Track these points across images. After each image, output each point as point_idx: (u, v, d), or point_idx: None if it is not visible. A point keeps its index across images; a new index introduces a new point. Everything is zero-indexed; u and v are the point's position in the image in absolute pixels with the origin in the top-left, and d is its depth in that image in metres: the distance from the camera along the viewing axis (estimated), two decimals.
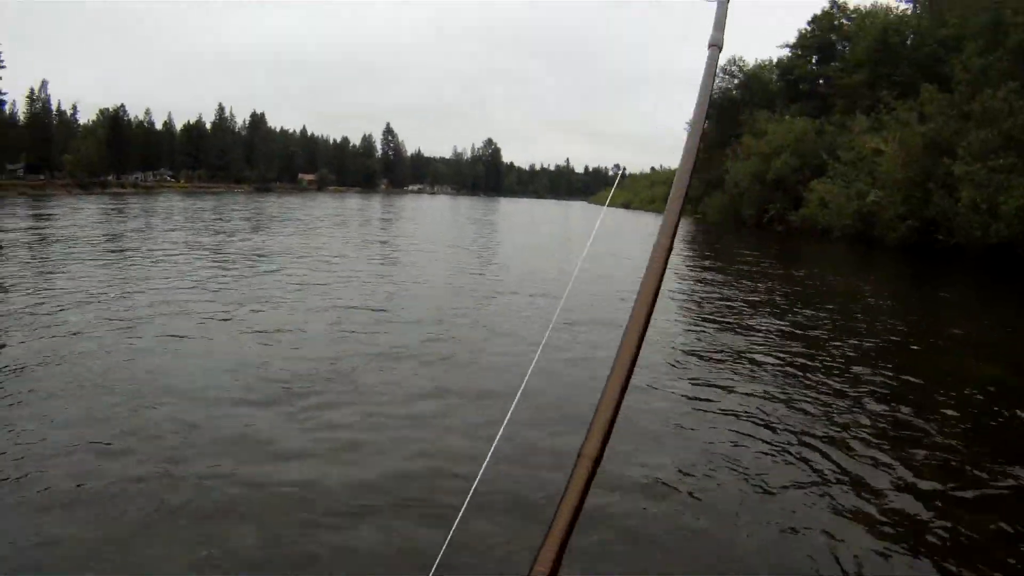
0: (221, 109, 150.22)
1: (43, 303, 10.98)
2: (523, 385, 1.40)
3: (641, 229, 40.82)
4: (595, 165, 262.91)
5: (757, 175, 53.66)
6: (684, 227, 45.91)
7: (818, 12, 62.31)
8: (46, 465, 5.08)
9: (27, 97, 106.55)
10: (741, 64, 71.36)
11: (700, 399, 7.65)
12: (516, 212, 76.52)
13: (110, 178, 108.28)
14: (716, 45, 1.34)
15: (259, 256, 19.31)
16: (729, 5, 1.40)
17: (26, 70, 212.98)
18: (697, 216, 64.75)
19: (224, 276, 14.97)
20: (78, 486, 4.79)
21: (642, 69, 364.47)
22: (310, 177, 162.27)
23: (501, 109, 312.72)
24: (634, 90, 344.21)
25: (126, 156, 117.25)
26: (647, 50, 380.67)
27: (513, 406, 1.29)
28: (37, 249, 19.96)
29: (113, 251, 19.64)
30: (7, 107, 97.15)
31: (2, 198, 62.44)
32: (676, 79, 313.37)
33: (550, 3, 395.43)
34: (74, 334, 9.12)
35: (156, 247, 20.81)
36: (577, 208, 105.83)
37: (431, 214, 57.49)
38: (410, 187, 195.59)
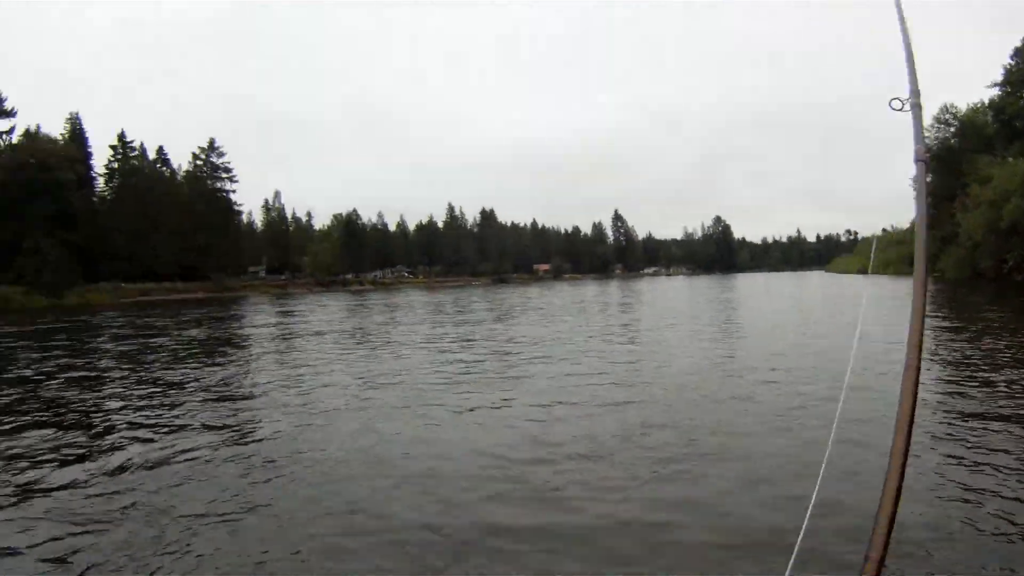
0: (451, 208, 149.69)
1: (301, 389, 11.11)
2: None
3: (896, 297, 31.94)
4: (826, 232, 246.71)
5: (990, 224, 51.20)
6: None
7: (1019, 44, 59.34)
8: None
9: (263, 207, 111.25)
10: (954, 111, 67.84)
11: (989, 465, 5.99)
12: (753, 287, 69.48)
13: (348, 276, 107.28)
14: (922, 160, 1.48)
15: (508, 342, 18.17)
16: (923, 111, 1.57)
17: (260, 180, 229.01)
18: (935, 274, 61.51)
19: (473, 363, 13.98)
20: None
21: (865, 127, 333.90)
22: (545, 267, 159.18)
23: (730, 185, 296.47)
24: (864, 153, 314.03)
25: (362, 256, 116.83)
26: (876, 110, 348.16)
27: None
28: (290, 341, 20.78)
29: (362, 342, 19.84)
30: (244, 216, 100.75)
31: (247, 297, 68.75)
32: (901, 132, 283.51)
33: (784, 78, 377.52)
34: (331, 414, 9.05)
35: (405, 337, 20.84)
36: (814, 278, 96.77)
37: (668, 295, 53.44)
38: (644, 270, 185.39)
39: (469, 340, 18.84)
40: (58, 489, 6.04)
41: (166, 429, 8.31)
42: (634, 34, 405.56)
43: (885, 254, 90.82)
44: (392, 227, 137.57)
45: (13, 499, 5.80)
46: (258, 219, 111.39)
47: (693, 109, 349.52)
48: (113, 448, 7.49)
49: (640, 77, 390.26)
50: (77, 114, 71.60)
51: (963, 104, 69.54)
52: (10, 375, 13.95)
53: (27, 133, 62.41)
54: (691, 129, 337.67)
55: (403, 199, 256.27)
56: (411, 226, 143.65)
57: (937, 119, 68.17)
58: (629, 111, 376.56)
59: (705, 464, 6.32)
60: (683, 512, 5.17)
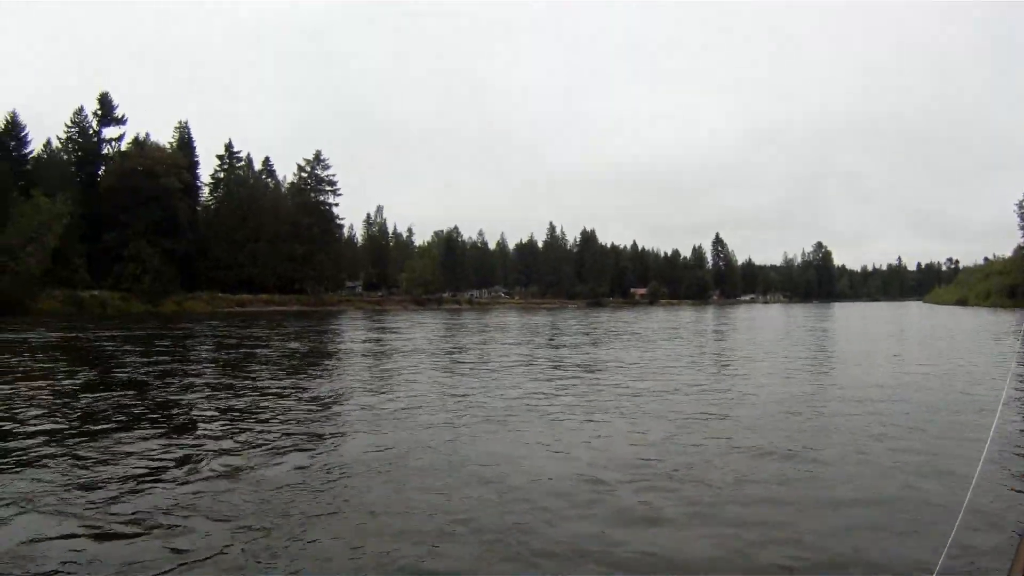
0: (552, 228, 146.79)
1: (400, 402, 11.38)
2: None
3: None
4: (927, 261, 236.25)
5: None
6: (1019, 320, 43.02)
7: None
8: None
9: (364, 221, 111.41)
10: None
11: None
12: (852, 317, 63.07)
13: (445, 295, 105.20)
14: None
15: (602, 366, 18.01)
16: None
17: (364, 194, 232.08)
18: None
19: (563, 386, 13.98)
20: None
21: (969, 146, 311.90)
22: (641, 291, 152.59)
23: (829, 205, 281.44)
24: (978, 176, 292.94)
25: (460, 274, 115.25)
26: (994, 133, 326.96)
27: None
28: (386, 356, 20.66)
29: (457, 360, 19.85)
30: (345, 230, 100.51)
31: (343, 312, 68.49)
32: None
33: (887, 95, 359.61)
34: (427, 428, 9.29)
35: (498, 357, 20.80)
36: (913, 309, 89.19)
37: (765, 323, 50.49)
38: (742, 297, 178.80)
39: (561, 363, 18.84)
40: (165, 483, 6.34)
41: (266, 436, 8.54)
42: (732, 44, 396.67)
43: (984, 284, 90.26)
44: (492, 245, 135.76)
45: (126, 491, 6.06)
46: (359, 233, 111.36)
47: (794, 124, 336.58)
48: (223, 451, 7.66)
49: (741, 91, 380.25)
50: (186, 122, 72.06)
51: None
52: (110, 376, 14.48)
53: (136, 141, 62.63)
54: (791, 145, 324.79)
55: (504, 216, 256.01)
56: (511, 244, 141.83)
57: None
58: (731, 127, 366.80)
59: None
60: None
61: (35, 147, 58.20)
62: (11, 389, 11.82)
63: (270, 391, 12.50)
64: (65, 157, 59.84)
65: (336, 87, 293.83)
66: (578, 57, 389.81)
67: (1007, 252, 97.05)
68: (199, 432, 8.79)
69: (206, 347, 22.74)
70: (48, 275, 43.48)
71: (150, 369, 15.51)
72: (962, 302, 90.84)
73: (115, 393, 11.85)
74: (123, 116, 62.96)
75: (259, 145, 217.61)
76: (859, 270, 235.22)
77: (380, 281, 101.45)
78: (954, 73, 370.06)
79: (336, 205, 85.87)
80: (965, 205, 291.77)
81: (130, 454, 7.36)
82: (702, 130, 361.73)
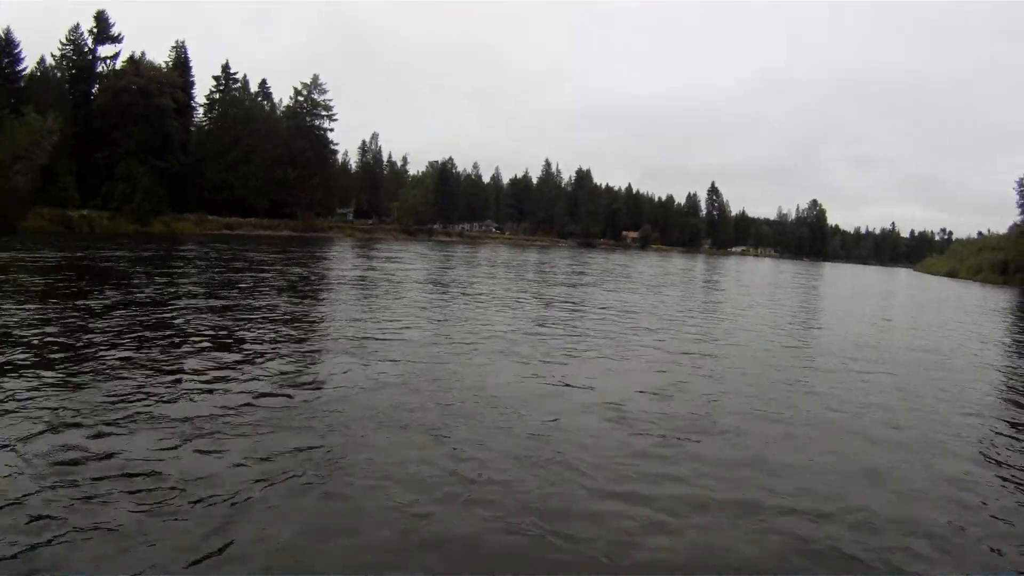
0: (548, 164, 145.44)
1: (377, 336, 12.00)
2: None
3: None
4: (921, 229, 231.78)
5: None
6: (1010, 298, 45.11)
7: None
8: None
9: (359, 148, 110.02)
10: None
11: None
12: (843, 279, 66.01)
13: (435, 226, 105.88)
14: None
15: (589, 306, 19.69)
16: None
17: (361, 121, 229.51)
18: None
19: (547, 322, 15.57)
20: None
21: (997, 124, 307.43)
22: (633, 234, 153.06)
23: (828, 163, 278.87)
24: (983, 147, 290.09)
25: (452, 206, 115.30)
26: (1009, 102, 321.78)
27: None
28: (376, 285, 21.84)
29: (444, 291, 21.26)
30: (340, 157, 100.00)
31: (332, 239, 69.52)
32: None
33: (887, 53, 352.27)
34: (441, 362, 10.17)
35: (488, 291, 22.18)
36: (903, 277, 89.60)
37: (758, 278, 51.15)
38: (733, 248, 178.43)
39: (579, 307, 19.61)
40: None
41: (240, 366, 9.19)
42: None
43: (976, 258, 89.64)
44: (486, 179, 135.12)
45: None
46: (353, 160, 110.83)
47: (800, 78, 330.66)
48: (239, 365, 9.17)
49: (749, 40, 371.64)
50: (183, 42, 71.50)
51: None
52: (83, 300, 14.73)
53: (131, 59, 62.63)
54: (796, 100, 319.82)
55: (501, 149, 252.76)
56: (505, 179, 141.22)
57: None
58: (735, 73, 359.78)
59: None
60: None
61: (29, 65, 58.32)
62: None
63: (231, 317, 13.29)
64: (59, 75, 59.95)
65: (336, 13, 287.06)
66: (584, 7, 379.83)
67: (1002, 228, 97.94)
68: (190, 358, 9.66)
69: (192, 277, 22.54)
70: (37, 193, 44.66)
71: (125, 294, 15.98)
72: (952, 274, 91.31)
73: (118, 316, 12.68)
74: (119, 35, 62.73)
75: (257, 68, 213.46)
76: (852, 231, 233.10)
77: (372, 209, 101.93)
78: (966, 49, 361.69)
79: (331, 131, 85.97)
80: (964, 178, 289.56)
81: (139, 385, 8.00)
82: (706, 77, 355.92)
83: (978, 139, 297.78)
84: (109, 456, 5.67)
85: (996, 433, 8.49)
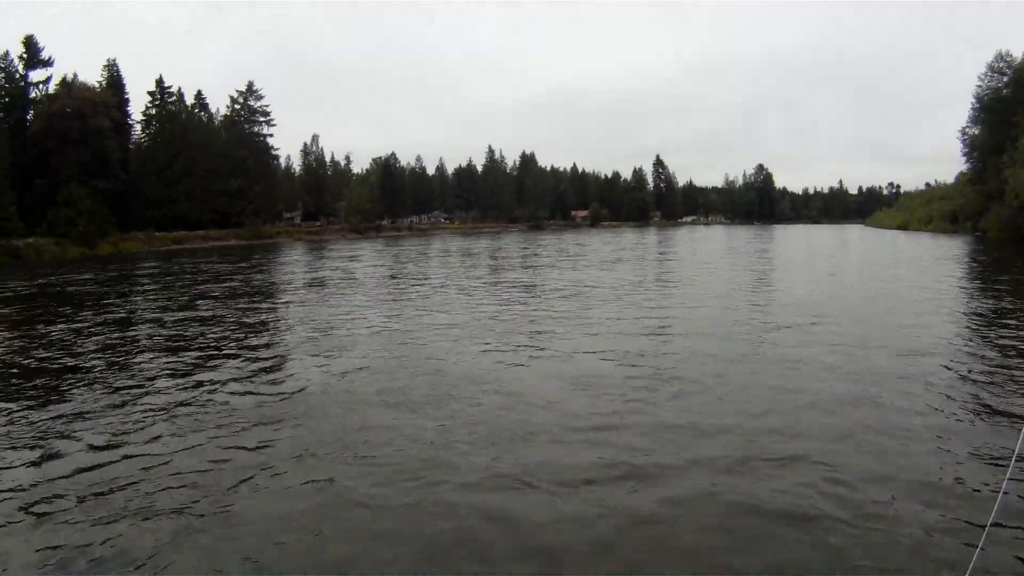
0: (491, 151, 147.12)
1: (336, 334, 13.23)
2: None
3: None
4: (868, 185, 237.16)
5: None
6: (960, 246, 46.11)
7: None
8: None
9: (301, 151, 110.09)
10: (1009, 59, 65.54)
11: None
12: (794, 240, 69.04)
13: (384, 222, 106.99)
14: None
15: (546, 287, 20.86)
16: None
17: (301, 127, 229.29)
18: (977, 233, 61.21)
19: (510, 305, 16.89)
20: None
21: (913, 75, 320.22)
22: (583, 213, 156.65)
23: (771, 134, 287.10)
24: (924, 109, 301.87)
25: (399, 201, 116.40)
26: (924, 65, 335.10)
27: None
28: (316, 291, 22.13)
29: (392, 291, 21.41)
30: (283, 161, 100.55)
31: (280, 245, 70.28)
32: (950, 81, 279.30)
33: (826, 27, 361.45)
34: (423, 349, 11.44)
35: (446, 281, 23.76)
36: (855, 233, 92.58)
37: (710, 245, 53.33)
38: (683, 219, 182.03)
39: (501, 290, 20.32)
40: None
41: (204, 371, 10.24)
42: None
43: (926, 209, 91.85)
44: (431, 171, 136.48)
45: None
46: (296, 164, 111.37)
47: (734, 56, 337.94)
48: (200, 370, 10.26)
49: (681, 23, 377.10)
50: (115, 60, 71.72)
51: (1019, 52, 68.10)
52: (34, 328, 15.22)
53: (63, 82, 62.90)
54: (732, 76, 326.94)
55: (443, 144, 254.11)
56: (450, 170, 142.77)
57: (991, 67, 66.57)
58: (672, 56, 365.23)
59: None
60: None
61: None
62: None
63: (194, 330, 14.19)
64: None
65: (269, 22, 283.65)
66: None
67: (948, 179, 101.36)
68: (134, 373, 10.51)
69: (151, 293, 23.62)
70: None
71: (74, 322, 16.00)
72: (903, 227, 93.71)
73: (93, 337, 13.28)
74: (50, 58, 62.85)
75: (191, 81, 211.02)
76: (800, 192, 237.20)
77: (318, 211, 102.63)
78: (896, 10, 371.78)
79: (271, 136, 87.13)
80: (906, 137, 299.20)
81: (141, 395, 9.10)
82: (642, 59, 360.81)
83: (917, 100, 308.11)
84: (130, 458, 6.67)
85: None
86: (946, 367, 9.81)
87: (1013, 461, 5.46)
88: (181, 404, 8.51)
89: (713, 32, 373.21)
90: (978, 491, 5.51)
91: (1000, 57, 65.82)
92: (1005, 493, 5.21)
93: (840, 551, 4.59)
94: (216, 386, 9.35)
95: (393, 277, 26.49)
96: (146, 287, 25.55)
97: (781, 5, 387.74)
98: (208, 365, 10.82)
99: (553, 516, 5.12)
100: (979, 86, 67.00)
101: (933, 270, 27.36)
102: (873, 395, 8.32)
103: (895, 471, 5.95)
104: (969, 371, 9.64)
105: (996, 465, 6.01)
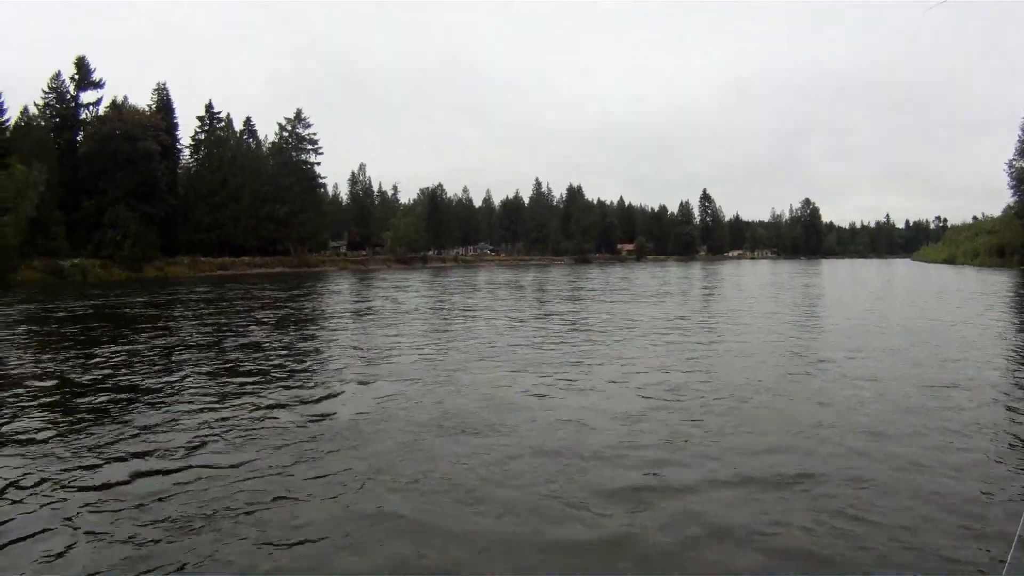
0: (538, 184, 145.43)
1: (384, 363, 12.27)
2: None
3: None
4: (916, 219, 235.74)
5: None
6: (1005, 280, 45.10)
7: None
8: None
9: (349, 180, 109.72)
10: None
11: None
12: (840, 274, 64.55)
13: (430, 253, 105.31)
14: None
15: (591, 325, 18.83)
16: None
17: (349, 151, 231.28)
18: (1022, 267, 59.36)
19: (554, 341, 15.43)
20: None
21: (971, 110, 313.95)
22: (629, 247, 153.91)
23: (816, 161, 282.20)
24: (966, 135, 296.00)
25: (445, 232, 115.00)
26: (977, 91, 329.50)
27: None
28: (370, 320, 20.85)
29: (450, 316, 21.16)
30: (330, 189, 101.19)
31: (327, 273, 69.10)
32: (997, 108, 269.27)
33: (867, 51, 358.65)
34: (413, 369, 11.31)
35: (492, 316, 21.69)
36: (900, 268, 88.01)
37: (756, 279, 51.47)
38: (729, 252, 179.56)
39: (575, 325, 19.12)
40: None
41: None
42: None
43: (972, 243, 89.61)
44: (478, 202, 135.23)
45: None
46: (344, 192, 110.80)
47: (776, 80, 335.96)
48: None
49: (726, 46, 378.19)
50: (164, 84, 71.26)
51: None
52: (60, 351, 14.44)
53: (113, 103, 62.28)
54: (774, 101, 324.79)
55: (490, 171, 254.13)
56: (496, 201, 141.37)
57: None
58: (717, 79, 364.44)
59: None
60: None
61: (12, 115, 57.77)
62: None
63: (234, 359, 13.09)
64: (43, 124, 59.45)
65: (319, 46, 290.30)
66: (561, 15, 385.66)
67: (995, 211, 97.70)
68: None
69: (205, 317, 22.69)
70: (27, 245, 43.83)
71: (123, 343, 14.95)
72: (950, 260, 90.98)
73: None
74: (101, 80, 62.43)
75: (241, 105, 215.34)
76: (847, 227, 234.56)
77: (364, 240, 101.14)
78: (938, 35, 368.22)
79: (318, 164, 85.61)
80: (950, 164, 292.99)
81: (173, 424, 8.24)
82: (685, 86, 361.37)
83: (958, 125, 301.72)
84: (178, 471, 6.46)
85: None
86: (978, 400, 9.20)
87: None
88: (235, 425, 8.09)
89: (757, 55, 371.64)
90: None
91: None
92: None
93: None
94: (271, 409, 8.96)
95: (441, 308, 25.32)
96: (198, 311, 23.97)
97: (824, 26, 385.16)
98: (262, 388, 10.28)
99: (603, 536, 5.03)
100: None
101: (972, 304, 25.85)
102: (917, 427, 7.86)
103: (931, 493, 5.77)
104: (1005, 406, 9.03)
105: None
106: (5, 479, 6.16)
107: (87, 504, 5.63)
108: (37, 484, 6.07)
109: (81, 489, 5.97)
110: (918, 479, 6.12)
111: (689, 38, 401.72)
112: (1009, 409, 8.79)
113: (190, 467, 6.50)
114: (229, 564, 4.59)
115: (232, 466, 6.49)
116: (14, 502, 5.67)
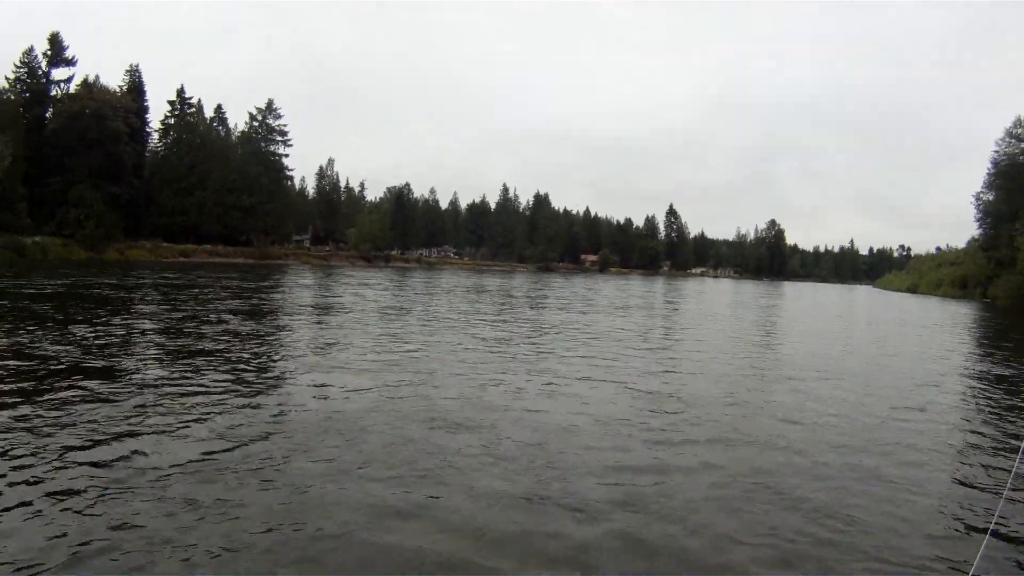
0: (505, 189, 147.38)
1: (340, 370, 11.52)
2: None
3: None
4: (880, 246, 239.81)
5: None
6: (968, 312, 45.90)
7: None
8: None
9: (316, 174, 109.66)
10: None
11: None
12: (802, 297, 67.59)
13: (394, 252, 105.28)
14: None
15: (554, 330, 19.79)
16: None
17: (317, 146, 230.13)
18: (985, 300, 60.48)
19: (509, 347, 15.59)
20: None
21: (938, 140, 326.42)
22: (592, 258, 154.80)
23: (784, 182, 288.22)
24: (932, 164, 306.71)
25: (410, 232, 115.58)
26: (947, 120, 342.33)
27: None
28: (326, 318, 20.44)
29: (412, 320, 20.71)
30: (297, 182, 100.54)
31: (288, 266, 68.53)
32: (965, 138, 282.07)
33: (841, 75, 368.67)
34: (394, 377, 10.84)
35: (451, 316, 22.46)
36: (863, 293, 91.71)
37: (718, 298, 52.92)
38: (693, 270, 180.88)
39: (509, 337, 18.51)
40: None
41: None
42: (694, 19, 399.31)
43: (936, 274, 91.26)
44: (444, 204, 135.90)
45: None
46: (310, 186, 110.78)
47: (750, 100, 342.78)
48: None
49: (704, 58, 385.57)
50: (137, 66, 70.96)
51: None
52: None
53: (84, 82, 61.95)
54: (747, 120, 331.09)
55: (458, 172, 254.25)
56: (463, 204, 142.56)
57: (1009, 133, 64.93)
58: (692, 94, 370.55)
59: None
60: None
61: None
62: None
63: (188, 350, 12.88)
64: (12, 98, 58.87)
65: (293, 37, 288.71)
66: (537, 18, 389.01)
67: (959, 243, 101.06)
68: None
69: (182, 305, 22.37)
70: None
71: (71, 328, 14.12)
72: (912, 289, 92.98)
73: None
74: (73, 57, 62.06)
75: (211, 91, 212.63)
76: (811, 250, 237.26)
77: (328, 235, 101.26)
78: (911, 65, 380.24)
79: (287, 156, 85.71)
80: (917, 193, 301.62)
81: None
82: (660, 101, 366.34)
83: (924, 155, 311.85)
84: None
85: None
86: (937, 420, 9.99)
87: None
88: (208, 417, 7.97)
89: (731, 73, 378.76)
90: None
91: (1019, 123, 64.34)
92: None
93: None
94: (253, 397, 9.07)
95: (405, 309, 25.46)
96: (166, 298, 24.17)
97: (798, 47, 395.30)
98: (236, 384, 9.95)
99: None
100: (995, 151, 65.82)
101: (936, 334, 27.17)
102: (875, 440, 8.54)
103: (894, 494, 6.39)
104: (961, 421, 10.13)
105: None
106: None
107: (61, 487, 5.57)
108: None
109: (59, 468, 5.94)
110: (885, 488, 6.56)
111: (665, 54, 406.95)
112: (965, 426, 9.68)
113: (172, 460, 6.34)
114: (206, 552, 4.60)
115: (198, 459, 6.41)
116: None
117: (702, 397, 10.74)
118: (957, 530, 5.57)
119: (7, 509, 5.07)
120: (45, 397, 8.45)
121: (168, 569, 4.36)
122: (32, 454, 6.27)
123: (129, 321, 16.75)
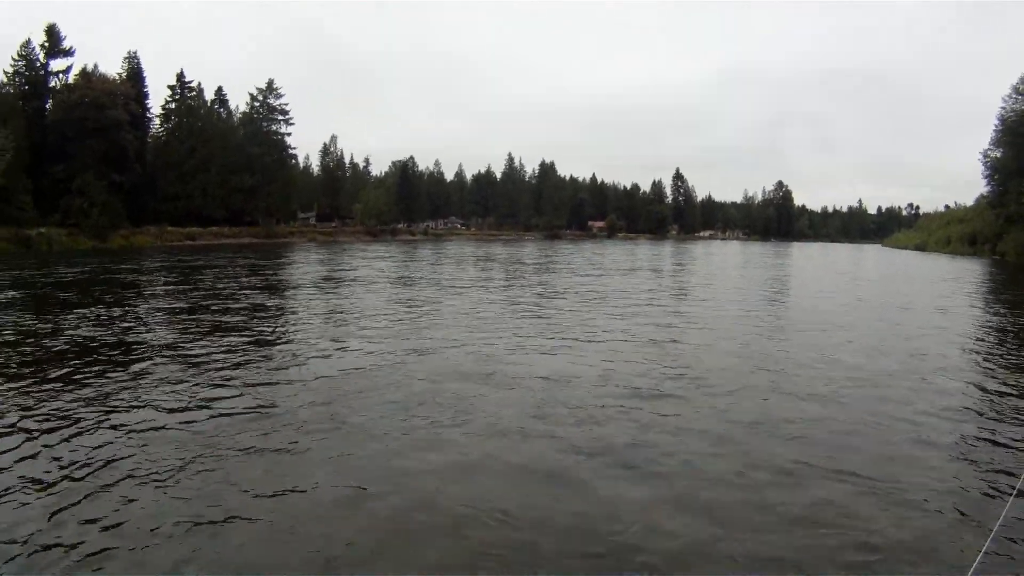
0: (511, 159, 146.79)
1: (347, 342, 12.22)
2: None
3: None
4: (888, 205, 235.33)
5: None
6: (978, 269, 45.42)
7: None
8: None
9: (320, 152, 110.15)
10: None
11: None
12: (810, 257, 68.31)
13: (400, 225, 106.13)
14: None
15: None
16: None
17: (322, 125, 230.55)
18: (995, 256, 59.85)
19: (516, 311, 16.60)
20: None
21: (941, 102, 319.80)
22: (600, 224, 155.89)
23: (793, 150, 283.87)
24: (937, 125, 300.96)
25: (416, 205, 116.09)
26: (949, 82, 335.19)
27: None
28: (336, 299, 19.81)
29: (421, 288, 22.25)
30: (301, 161, 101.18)
31: (294, 244, 70.37)
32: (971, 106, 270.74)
33: (848, 42, 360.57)
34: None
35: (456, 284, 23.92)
36: (871, 252, 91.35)
37: (725, 259, 54.15)
38: (701, 233, 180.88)
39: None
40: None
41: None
42: None
43: (945, 231, 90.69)
44: (449, 176, 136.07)
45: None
46: (315, 164, 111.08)
47: (758, 68, 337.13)
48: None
49: (711, 31, 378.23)
50: (135, 53, 71.28)
51: None
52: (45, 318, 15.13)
53: (83, 72, 62.58)
54: (755, 89, 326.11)
55: (463, 147, 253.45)
56: (469, 176, 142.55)
57: (1016, 89, 64.50)
58: (698, 67, 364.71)
59: None
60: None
61: None
62: None
63: (196, 331, 13.57)
64: (11, 91, 59.60)
65: (293, 18, 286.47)
66: None
67: (967, 201, 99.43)
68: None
69: (199, 285, 23.15)
70: None
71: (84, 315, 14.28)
72: (921, 247, 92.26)
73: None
74: (71, 48, 62.55)
75: (212, 76, 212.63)
76: (819, 210, 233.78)
77: (334, 212, 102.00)
78: (920, 32, 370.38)
79: (288, 135, 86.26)
80: (926, 157, 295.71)
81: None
82: (666, 70, 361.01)
83: (938, 122, 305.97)
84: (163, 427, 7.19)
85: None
86: (946, 377, 10.24)
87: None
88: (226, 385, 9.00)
89: (740, 42, 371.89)
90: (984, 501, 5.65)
91: None
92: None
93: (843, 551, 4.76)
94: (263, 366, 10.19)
95: (414, 279, 26.59)
96: (186, 279, 25.42)
97: (808, 15, 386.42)
98: (247, 354, 11.09)
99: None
100: (1003, 107, 65.16)
101: (941, 288, 27.71)
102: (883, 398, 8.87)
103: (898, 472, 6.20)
104: (970, 383, 10.02)
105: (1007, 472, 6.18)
106: None
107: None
108: None
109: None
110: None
111: (675, 26, 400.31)
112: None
113: (189, 429, 7.00)
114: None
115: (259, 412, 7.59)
116: None
117: (712, 349, 12.06)
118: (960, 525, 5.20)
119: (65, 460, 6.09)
120: (118, 373, 9.60)
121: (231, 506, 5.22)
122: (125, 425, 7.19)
123: (161, 303, 17.89)
